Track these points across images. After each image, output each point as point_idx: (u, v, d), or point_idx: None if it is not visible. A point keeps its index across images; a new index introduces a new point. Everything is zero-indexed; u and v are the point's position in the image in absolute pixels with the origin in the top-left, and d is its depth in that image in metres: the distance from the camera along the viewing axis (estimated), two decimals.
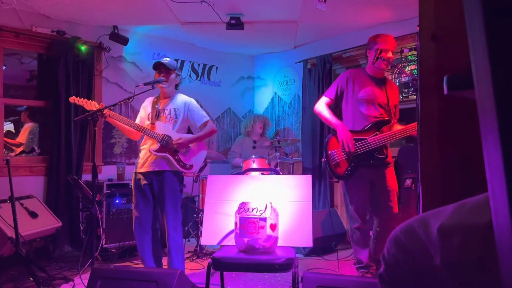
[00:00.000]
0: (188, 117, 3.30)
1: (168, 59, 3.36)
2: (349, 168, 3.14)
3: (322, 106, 3.32)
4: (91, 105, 3.14)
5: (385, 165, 3.17)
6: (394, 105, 3.28)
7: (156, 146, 3.17)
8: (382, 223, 3.20)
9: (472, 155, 1.08)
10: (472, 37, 0.42)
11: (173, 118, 3.26)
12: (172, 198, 3.15)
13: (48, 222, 3.82)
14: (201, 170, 4.04)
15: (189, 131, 3.53)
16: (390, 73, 4.65)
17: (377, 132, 3.12)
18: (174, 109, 3.28)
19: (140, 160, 3.23)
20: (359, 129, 3.18)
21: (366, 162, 3.12)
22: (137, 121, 3.37)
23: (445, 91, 0.74)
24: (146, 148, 3.22)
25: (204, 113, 3.36)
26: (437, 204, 1.14)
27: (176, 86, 3.39)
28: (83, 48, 4.51)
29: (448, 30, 1.12)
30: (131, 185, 4.19)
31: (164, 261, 3.32)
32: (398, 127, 3.21)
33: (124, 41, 4.84)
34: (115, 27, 4.79)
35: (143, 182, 3.16)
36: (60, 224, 3.91)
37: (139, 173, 3.19)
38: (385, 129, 3.15)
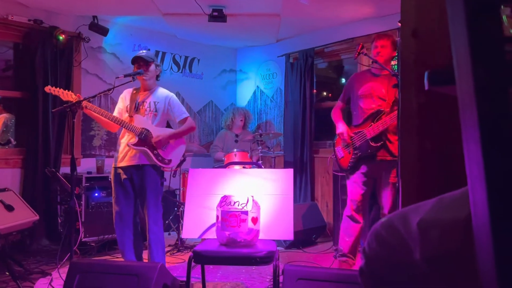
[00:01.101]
0: (168, 111, 3.27)
1: (144, 51, 3.31)
2: (351, 161, 3.31)
3: (334, 110, 3.60)
4: (68, 96, 3.06)
5: (391, 161, 3.19)
6: (395, 97, 3.30)
7: (134, 140, 3.13)
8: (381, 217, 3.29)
9: (451, 150, 1.10)
10: (454, 34, 0.42)
11: (153, 112, 3.22)
12: (153, 191, 3.13)
13: (24, 215, 3.74)
14: (179, 164, 4.01)
15: (168, 125, 3.50)
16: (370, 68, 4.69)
17: (372, 123, 3.24)
18: (154, 102, 3.24)
19: (119, 154, 3.18)
20: (358, 123, 3.35)
21: (365, 153, 3.24)
22: (115, 112, 3.31)
23: (426, 87, 0.75)
24: (125, 142, 3.17)
25: (184, 109, 3.34)
26: (416, 198, 1.17)
27: (157, 77, 3.34)
28: (61, 38, 4.41)
29: (429, 26, 1.13)
30: (110, 179, 4.16)
31: (145, 254, 3.30)
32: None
33: (104, 31, 4.75)
34: (94, 17, 4.69)
35: (123, 176, 3.12)
36: (37, 217, 3.83)
37: (119, 167, 3.15)
38: (383, 117, 3.22)
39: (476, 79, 0.39)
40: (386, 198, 3.23)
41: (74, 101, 2.95)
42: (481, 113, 0.38)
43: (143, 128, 3.14)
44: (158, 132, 3.20)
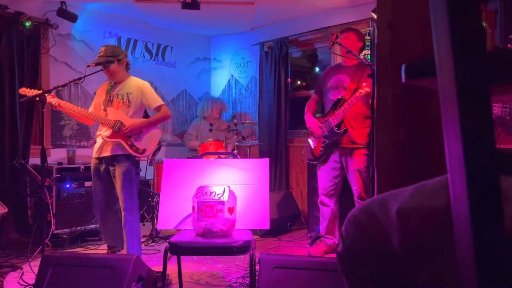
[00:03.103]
0: (142, 100, 3.30)
1: (103, 49, 3.25)
2: (321, 150, 3.56)
3: (307, 103, 3.81)
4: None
5: (353, 148, 3.44)
6: (357, 86, 3.44)
7: (108, 132, 3.22)
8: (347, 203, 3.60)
9: (425, 141, 1.13)
10: (435, 28, 0.43)
11: (126, 103, 3.27)
12: (126, 181, 3.19)
13: None
14: (155, 153, 3.97)
15: (146, 115, 3.51)
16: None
17: (335, 111, 3.47)
18: (127, 93, 3.29)
19: (97, 145, 3.30)
20: (325, 112, 3.62)
21: (332, 140, 3.48)
22: (91, 107, 3.40)
23: (403, 79, 0.76)
24: (101, 134, 3.28)
25: (158, 97, 3.38)
26: (390, 186, 1.19)
27: (127, 68, 3.36)
28: (27, 24, 4.24)
29: (405, 18, 1.14)
30: (82, 169, 4.15)
31: None
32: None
33: (72, 18, 4.59)
34: (62, 2, 4.52)
35: (102, 166, 3.26)
36: (6, 210, 3.71)
37: (96, 158, 3.29)
38: (344, 105, 3.42)
39: (457, 74, 0.39)
40: (353, 184, 3.45)
41: (41, 91, 2.90)
42: (462, 108, 0.39)
43: (116, 121, 3.22)
44: (130, 122, 3.26)
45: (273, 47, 5.36)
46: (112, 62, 3.20)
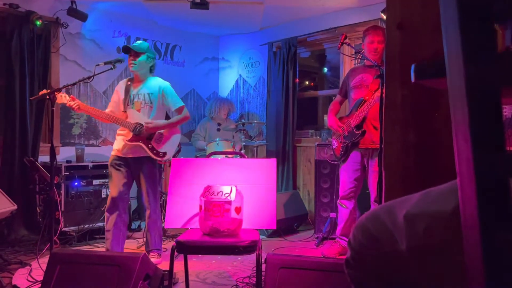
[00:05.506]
0: (163, 102, 3.34)
1: (139, 41, 3.36)
2: (342, 151, 3.52)
3: (331, 104, 3.79)
4: (62, 98, 3.07)
5: (375, 149, 3.37)
6: (378, 86, 3.40)
7: (129, 135, 3.24)
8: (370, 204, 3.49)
9: (434, 142, 1.12)
10: (446, 34, 0.42)
11: (148, 104, 3.29)
12: (151, 182, 3.28)
13: (2, 205, 3.65)
14: (175, 156, 3.99)
15: (167, 117, 3.57)
16: (353, 59, 4.72)
17: (355, 111, 3.41)
18: (148, 93, 3.30)
19: (118, 145, 3.30)
20: (348, 113, 3.56)
21: (351, 141, 3.43)
22: (110, 105, 3.40)
23: (413, 79, 0.76)
24: (122, 135, 3.29)
25: (178, 98, 3.41)
26: (399, 190, 1.18)
27: (151, 69, 3.39)
28: (38, 23, 4.28)
29: (414, 19, 1.14)
30: (90, 167, 4.17)
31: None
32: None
33: (82, 17, 4.63)
34: (73, 2, 4.56)
35: (121, 164, 3.27)
36: (16, 207, 3.75)
37: (118, 156, 3.28)
38: (364, 105, 3.37)
39: (467, 76, 0.39)
40: (371, 186, 3.38)
41: (52, 90, 2.92)
42: (472, 111, 0.39)
43: (137, 123, 3.22)
44: (150, 121, 3.27)
45: (281, 47, 5.35)
46: (143, 52, 3.26)
